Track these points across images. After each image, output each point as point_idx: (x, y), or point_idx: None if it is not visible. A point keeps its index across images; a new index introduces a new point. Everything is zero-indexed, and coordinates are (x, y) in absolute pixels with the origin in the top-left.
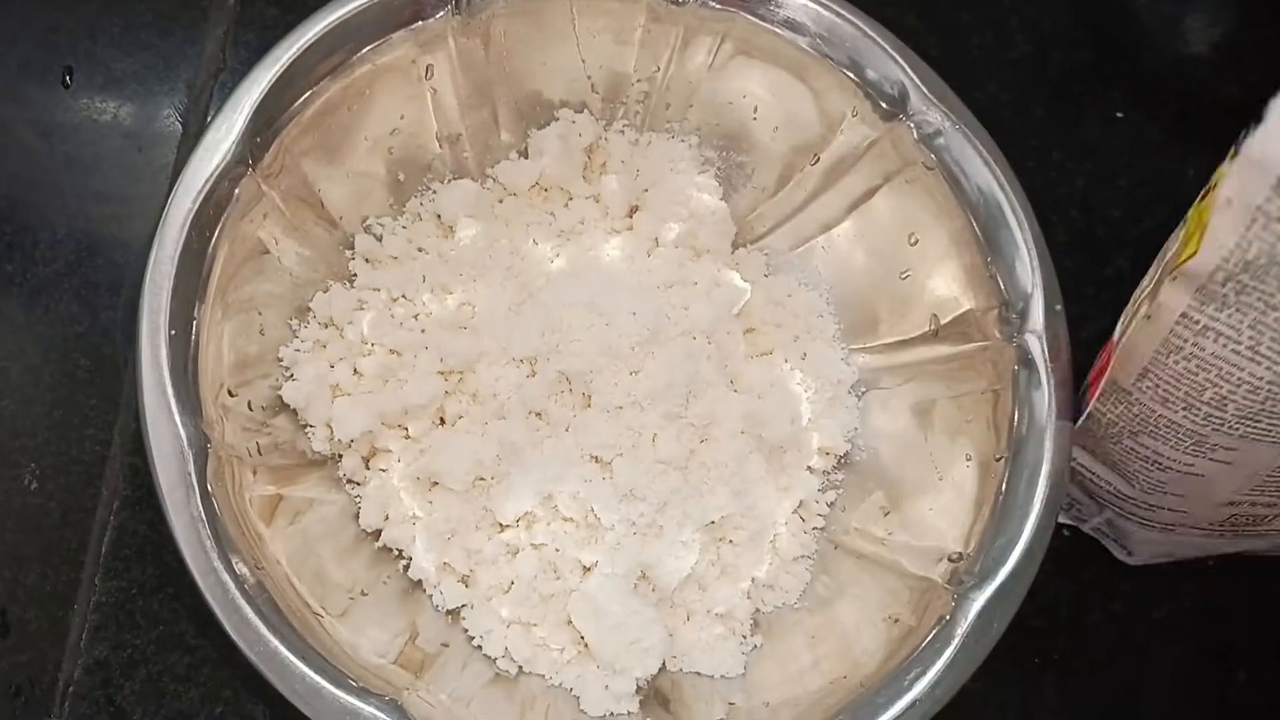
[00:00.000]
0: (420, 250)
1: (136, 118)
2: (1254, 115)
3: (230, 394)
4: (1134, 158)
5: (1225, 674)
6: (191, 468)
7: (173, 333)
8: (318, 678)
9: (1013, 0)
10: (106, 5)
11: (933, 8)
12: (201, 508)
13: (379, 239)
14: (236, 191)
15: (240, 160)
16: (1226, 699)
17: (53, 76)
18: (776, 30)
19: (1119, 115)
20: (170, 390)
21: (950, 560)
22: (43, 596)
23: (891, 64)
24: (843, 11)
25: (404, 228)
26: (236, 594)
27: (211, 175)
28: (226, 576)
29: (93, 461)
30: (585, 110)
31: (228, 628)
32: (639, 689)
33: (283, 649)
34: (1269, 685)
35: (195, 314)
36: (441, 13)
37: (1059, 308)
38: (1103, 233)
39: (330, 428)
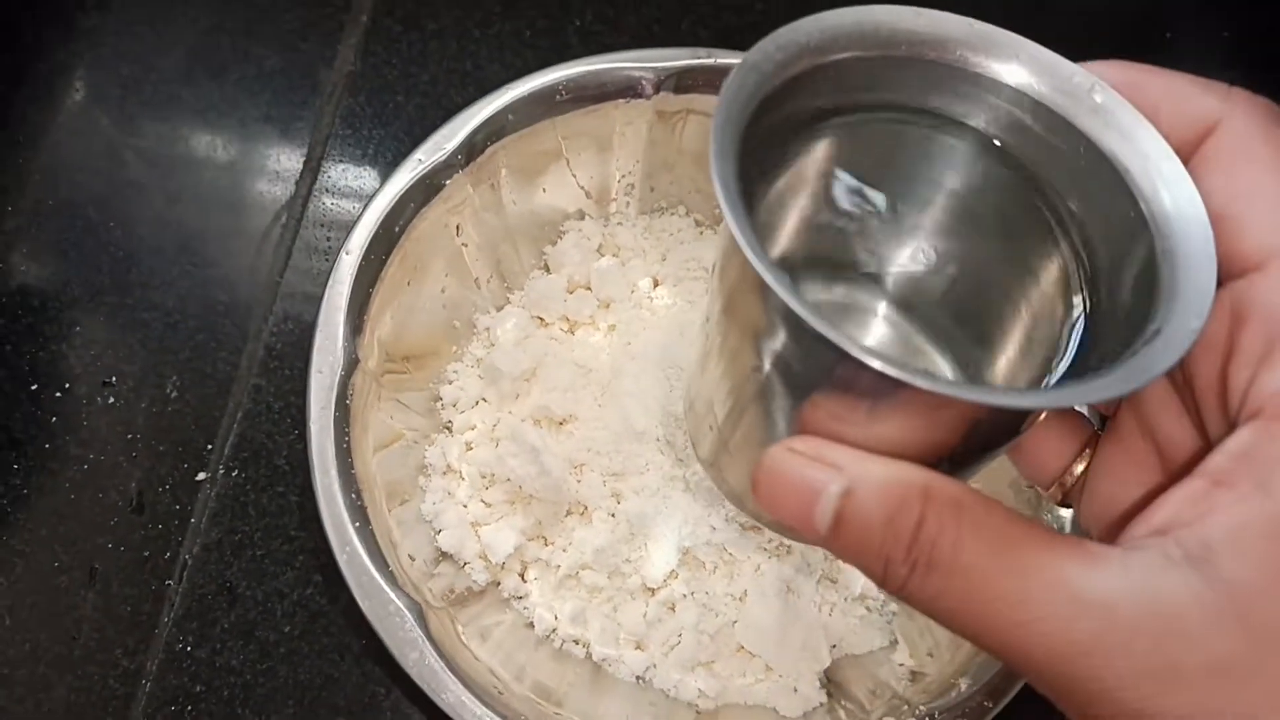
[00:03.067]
0: (494, 382)
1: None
2: None
3: (411, 559)
4: None
5: None
6: (417, 631)
7: (356, 525)
8: None
9: None
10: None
11: None
12: (439, 664)
13: (456, 384)
14: (351, 387)
15: (350, 362)
16: None
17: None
18: None
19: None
20: (380, 580)
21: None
22: (173, 485)
23: None
24: None
25: (471, 368)
26: None
27: (335, 385)
28: None
29: (224, 379)
30: (585, 217)
31: None
32: (821, 683)
33: None
34: None
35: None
36: (457, 174)
37: None
38: None
39: (484, 558)
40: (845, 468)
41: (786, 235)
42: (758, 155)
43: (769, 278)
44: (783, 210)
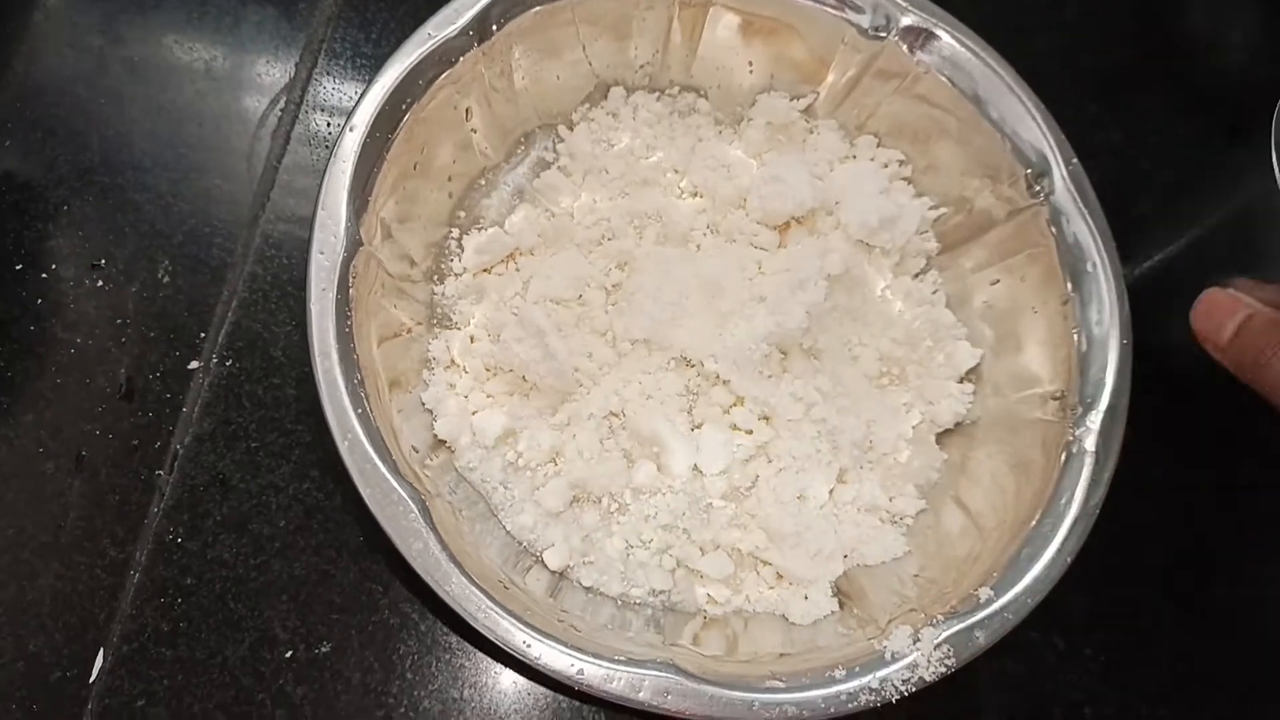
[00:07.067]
0: (499, 275)
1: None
2: None
3: (415, 450)
4: (1167, 118)
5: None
6: (420, 522)
7: (359, 412)
8: None
9: None
10: None
11: None
12: (444, 555)
13: (461, 276)
14: (353, 269)
15: (353, 243)
16: None
17: None
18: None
19: (1157, 81)
20: (382, 468)
21: (1054, 399)
22: (164, 373)
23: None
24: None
25: (476, 259)
26: None
27: (337, 267)
28: None
29: (219, 266)
30: (600, 106)
31: None
32: (833, 592)
33: None
34: None
35: (366, 401)
36: (469, 52)
37: None
38: (1130, 181)
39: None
40: (1249, 305)
41: None
42: None
43: None
44: None
